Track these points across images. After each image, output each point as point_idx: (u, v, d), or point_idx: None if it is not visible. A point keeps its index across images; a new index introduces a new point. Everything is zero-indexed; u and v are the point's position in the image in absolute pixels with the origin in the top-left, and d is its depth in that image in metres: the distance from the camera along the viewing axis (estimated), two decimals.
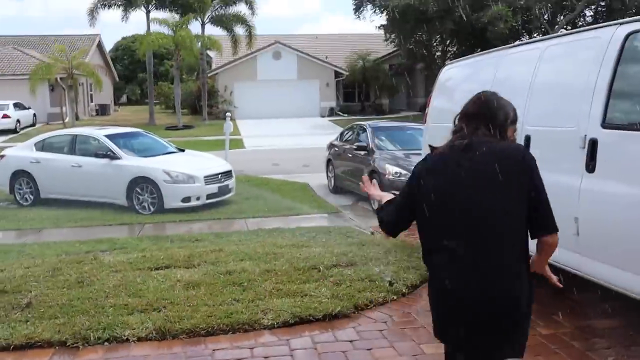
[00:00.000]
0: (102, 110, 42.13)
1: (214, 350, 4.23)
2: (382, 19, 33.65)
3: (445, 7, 29.86)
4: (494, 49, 6.65)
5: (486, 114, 2.46)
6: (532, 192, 2.32)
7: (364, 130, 12.11)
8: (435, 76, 26.99)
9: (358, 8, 35.53)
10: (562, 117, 4.58)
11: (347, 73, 39.76)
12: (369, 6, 34.93)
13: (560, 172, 4.41)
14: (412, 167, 8.39)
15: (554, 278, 2.59)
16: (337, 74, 40.67)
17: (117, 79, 51.70)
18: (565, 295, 5.17)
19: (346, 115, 39.02)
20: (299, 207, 10.90)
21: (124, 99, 62.15)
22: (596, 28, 4.67)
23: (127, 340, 4.37)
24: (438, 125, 7.12)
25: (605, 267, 4.03)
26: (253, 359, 4.10)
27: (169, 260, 6.46)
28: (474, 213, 2.31)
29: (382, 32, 37.99)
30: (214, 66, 40.75)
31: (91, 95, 42.54)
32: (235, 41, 34.19)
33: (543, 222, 2.34)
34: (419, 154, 10.23)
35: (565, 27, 32.45)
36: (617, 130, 4.01)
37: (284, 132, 29.64)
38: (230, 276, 5.76)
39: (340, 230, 8.44)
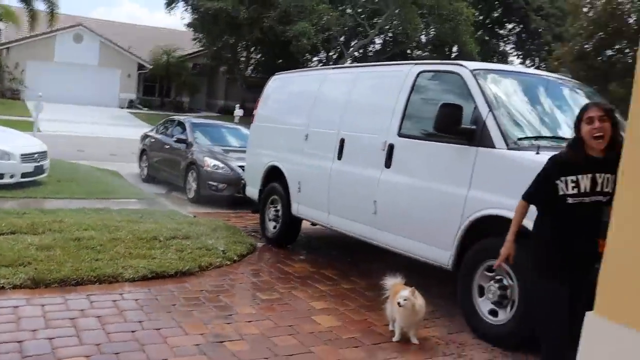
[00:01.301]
0: None
1: (87, 294, 4.99)
2: (192, 17, 34.14)
3: (255, 16, 31.54)
4: (318, 68, 8.12)
5: None
6: None
7: (183, 124, 12.95)
8: (236, 80, 28.56)
9: (169, 3, 35.66)
10: (369, 126, 6.10)
11: (151, 66, 39.51)
12: (181, 3, 35.34)
13: (366, 166, 5.94)
14: (230, 162, 9.63)
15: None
16: (140, 66, 40.18)
17: None
18: (359, 262, 6.79)
19: (146, 108, 38.77)
20: (116, 191, 11.35)
21: None
22: (398, 64, 6.35)
23: (3, 287, 4.92)
24: (262, 125, 8.40)
25: (392, 236, 5.60)
26: (124, 301, 4.95)
27: (11, 227, 6.78)
28: None
29: (189, 29, 38.52)
30: (2, 40, 37.72)
31: None
32: (33, 16, 32.13)
33: None
34: (238, 151, 11.51)
35: (358, 50, 36.09)
36: (407, 139, 5.60)
37: (82, 119, 28.75)
38: (80, 242, 6.38)
39: (164, 213, 9.22)
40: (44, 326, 4.23)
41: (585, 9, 17.42)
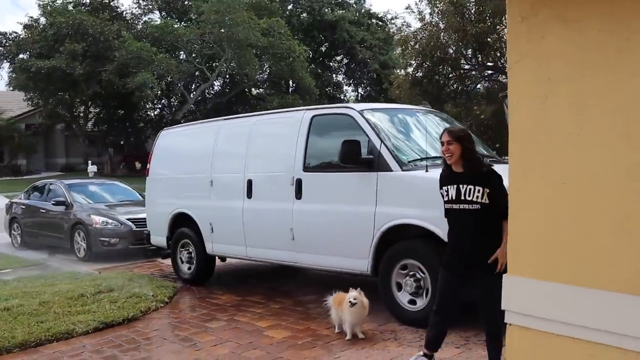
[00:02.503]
0: None
1: (54, 352, 5.36)
2: (22, 78, 32.68)
3: (91, 71, 31.12)
4: (209, 120, 8.92)
5: None
6: None
7: (56, 187, 12.96)
8: (77, 136, 28.04)
9: None
10: (274, 166, 7.03)
11: None
12: (6, 65, 33.80)
13: (279, 200, 6.86)
14: (118, 216, 10.14)
15: None
16: None
17: None
18: (276, 286, 7.67)
19: None
20: None
21: None
22: (290, 111, 7.41)
23: None
24: (159, 177, 9.01)
25: (312, 256, 6.57)
26: (95, 350, 5.38)
27: None
28: None
29: (15, 90, 36.85)
30: None
31: None
32: None
33: None
34: (120, 205, 11.88)
35: (202, 94, 36.76)
36: (311, 173, 6.62)
37: None
38: (12, 311, 6.52)
39: (66, 275, 9.33)
40: None
41: (412, 42, 19.98)
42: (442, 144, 4.43)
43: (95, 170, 24.85)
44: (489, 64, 20.16)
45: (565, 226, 3.43)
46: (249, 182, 7.31)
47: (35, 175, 36.63)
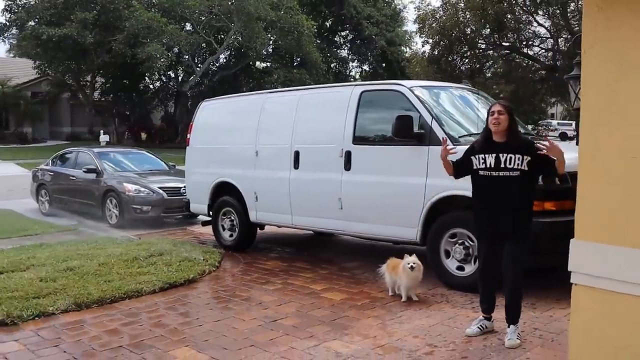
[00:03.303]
0: None
1: (130, 308, 5.75)
2: (30, 45, 32.67)
3: (100, 40, 31.16)
4: (253, 93, 9.22)
5: None
6: None
7: (86, 155, 13.29)
8: (82, 105, 28.27)
9: (2, 32, 33.88)
10: (323, 138, 7.37)
11: None
12: (15, 31, 33.73)
13: (328, 171, 7.22)
14: (150, 184, 10.52)
15: None
16: None
17: None
18: (316, 254, 8.06)
19: None
20: (31, 227, 11.46)
21: None
22: (339, 86, 7.74)
23: (53, 313, 5.53)
24: (200, 147, 9.33)
25: (360, 224, 6.95)
26: (169, 306, 5.80)
27: None
28: None
29: (22, 58, 36.89)
30: None
31: None
32: None
33: None
34: (149, 174, 12.24)
35: (209, 65, 36.84)
36: (360, 145, 6.97)
37: None
38: (76, 270, 6.89)
39: (106, 240, 9.64)
40: (147, 331, 5.09)
41: (430, 21, 20.20)
42: (492, 113, 4.71)
43: (108, 140, 25.06)
44: (505, 44, 20.44)
45: (633, 196, 3.82)
46: (296, 154, 7.65)
47: (41, 144, 36.88)
